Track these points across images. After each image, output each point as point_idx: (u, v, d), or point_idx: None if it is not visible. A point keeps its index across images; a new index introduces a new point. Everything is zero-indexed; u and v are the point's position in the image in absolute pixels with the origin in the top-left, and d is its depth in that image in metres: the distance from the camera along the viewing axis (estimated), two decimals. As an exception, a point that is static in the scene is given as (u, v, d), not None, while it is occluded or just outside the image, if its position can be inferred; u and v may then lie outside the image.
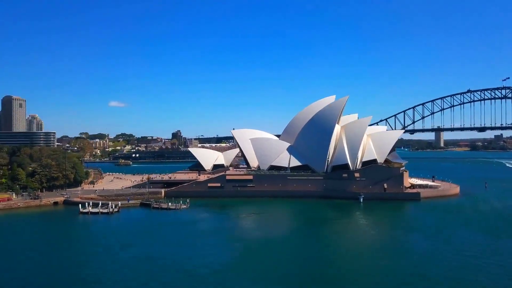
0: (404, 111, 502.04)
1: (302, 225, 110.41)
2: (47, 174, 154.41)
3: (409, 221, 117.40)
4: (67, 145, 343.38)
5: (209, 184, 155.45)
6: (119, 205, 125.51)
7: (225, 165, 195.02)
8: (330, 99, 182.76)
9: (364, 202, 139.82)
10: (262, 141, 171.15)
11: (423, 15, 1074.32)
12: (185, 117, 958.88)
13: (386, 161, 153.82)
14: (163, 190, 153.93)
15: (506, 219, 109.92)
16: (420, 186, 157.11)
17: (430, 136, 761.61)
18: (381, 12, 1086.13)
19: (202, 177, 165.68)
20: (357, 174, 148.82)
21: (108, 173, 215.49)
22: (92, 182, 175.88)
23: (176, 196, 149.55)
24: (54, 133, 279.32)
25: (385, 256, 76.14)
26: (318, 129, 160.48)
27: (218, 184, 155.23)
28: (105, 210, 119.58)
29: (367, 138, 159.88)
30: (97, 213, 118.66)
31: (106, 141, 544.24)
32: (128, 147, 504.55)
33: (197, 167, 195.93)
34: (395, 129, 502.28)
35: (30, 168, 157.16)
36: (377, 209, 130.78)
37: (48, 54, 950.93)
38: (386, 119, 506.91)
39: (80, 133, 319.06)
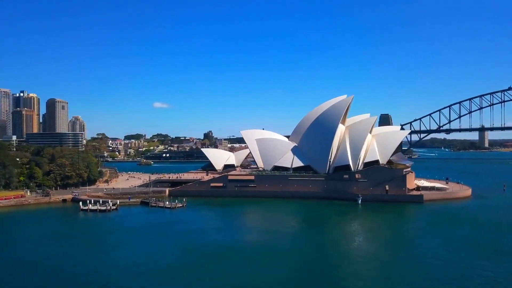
0: (439, 110, 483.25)
1: (283, 227, 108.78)
2: (61, 173, 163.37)
3: (400, 229, 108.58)
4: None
5: (212, 184, 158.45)
6: (118, 203, 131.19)
7: (235, 165, 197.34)
8: (340, 99, 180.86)
9: (364, 204, 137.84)
10: (266, 142, 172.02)
11: (456, 11, 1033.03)
12: (219, 117, 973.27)
13: (390, 162, 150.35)
14: (167, 189, 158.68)
15: (505, 231, 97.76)
16: (426, 188, 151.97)
17: (474, 136, 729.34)
18: (412, 12, 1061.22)
19: (206, 177, 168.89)
20: (358, 175, 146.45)
21: (126, 172, 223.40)
22: (107, 181, 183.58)
23: (180, 195, 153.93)
24: (82, 134, 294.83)
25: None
26: (321, 130, 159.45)
27: (221, 184, 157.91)
28: (103, 208, 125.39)
29: (372, 138, 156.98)
30: (95, 210, 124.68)
31: (141, 141, 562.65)
32: (161, 147, 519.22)
33: (209, 167, 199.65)
34: (429, 128, 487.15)
35: (47, 167, 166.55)
36: (373, 213, 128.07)
37: (95, 59, 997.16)
38: (420, 119, 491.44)
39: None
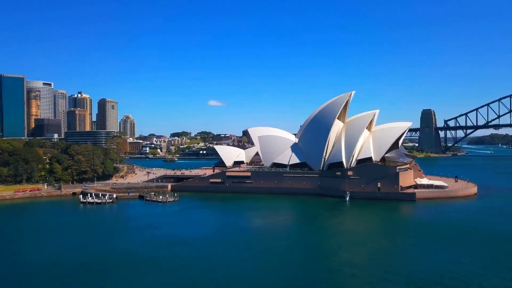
0: (487, 104, 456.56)
1: (245, 223, 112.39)
2: (78, 168, 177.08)
3: (370, 228, 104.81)
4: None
5: (211, 180, 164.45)
6: (114, 196, 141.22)
7: (244, 162, 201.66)
8: (347, 96, 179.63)
9: (355, 201, 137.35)
10: (268, 139, 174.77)
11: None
12: (265, 115, 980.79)
13: (386, 159, 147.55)
14: (169, 185, 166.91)
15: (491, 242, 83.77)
16: (423, 186, 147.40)
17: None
18: (459, 8, 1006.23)
19: (208, 173, 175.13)
20: (350, 173, 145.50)
21: (150, 168, 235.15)
22: (123, 176, 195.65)
23: (181, 190, 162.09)
24: (114, 131, 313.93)
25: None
26: (318, 127, 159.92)
27: (219, 180, 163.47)
28: (99, 201, 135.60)
29: (369, 135, 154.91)
30: (92, 203, 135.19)
31: (183, 138, 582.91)
32: (201, 144, 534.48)
33: (221, 164, 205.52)
34: (476, 124, 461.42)
35: (67, 163, 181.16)
36: (357, 210, 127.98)
37: (150, 60, 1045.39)
38: (466, 114, 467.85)
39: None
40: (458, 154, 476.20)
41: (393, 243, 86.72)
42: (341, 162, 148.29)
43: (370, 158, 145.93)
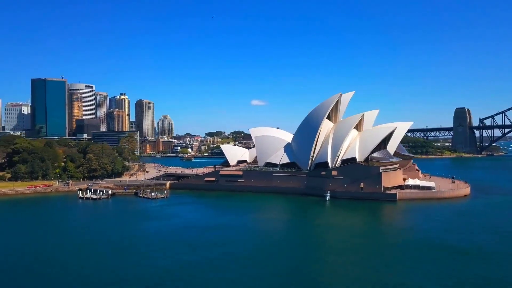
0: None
1: (209, 218, 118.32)
2: (88, 166, 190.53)
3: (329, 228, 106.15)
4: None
5: (206, 179, 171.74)
6: (110, 193, 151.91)
7: (248, 161, 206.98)
8: (348, 95, 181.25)
9: (337, 200, 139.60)
10: (263, 139, 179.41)
11: None
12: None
13: (369, 159, 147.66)
14: (168, 182, 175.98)
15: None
16: (408, 186, 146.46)
17: None
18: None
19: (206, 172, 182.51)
20: (334, 172, 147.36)
21: (164, 166, 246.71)
22: (133, 174, 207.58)
23: (179, 188, 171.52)
24: (137, 132, 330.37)
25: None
26: (308, 127, 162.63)
27: (213, 179, 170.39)
28: (95, 197, 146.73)
29: (358, 135, 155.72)
30: (88, 198, 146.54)
31: (214, 138, 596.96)
32: (231, 144, 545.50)
33: (227, 163, 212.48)
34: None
35: (79, 162, 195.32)
36: (334, 210, 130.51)
37: (191, 61, 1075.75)
38: (503, 112, 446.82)
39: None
40: (495, 154, 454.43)
41: (331, 249, 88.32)
42: (327, 162, 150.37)
43: (354, 158, 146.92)
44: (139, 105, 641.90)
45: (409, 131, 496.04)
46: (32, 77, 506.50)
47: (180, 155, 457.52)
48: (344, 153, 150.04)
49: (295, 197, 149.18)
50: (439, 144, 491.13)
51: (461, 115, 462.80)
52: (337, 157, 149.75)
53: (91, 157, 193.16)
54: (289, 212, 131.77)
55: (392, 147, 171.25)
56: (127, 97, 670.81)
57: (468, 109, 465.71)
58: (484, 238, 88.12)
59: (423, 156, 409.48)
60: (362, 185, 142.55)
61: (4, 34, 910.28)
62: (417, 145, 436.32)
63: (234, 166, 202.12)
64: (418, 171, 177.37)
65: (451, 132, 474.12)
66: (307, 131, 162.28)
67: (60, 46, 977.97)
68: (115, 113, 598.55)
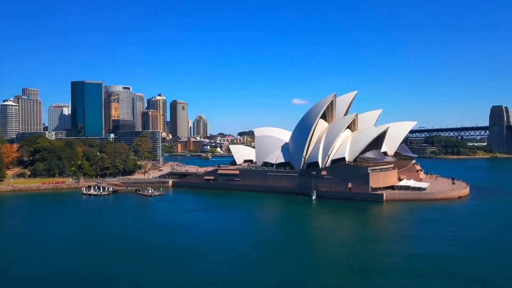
0: None
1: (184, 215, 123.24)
2: (101, 164, 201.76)
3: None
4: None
5: (205, 177, 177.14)
6: (111, 190, 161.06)
7: (253, 160, 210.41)
8: (350, 95, 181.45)
9: (324, 200, 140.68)
10: (263, 139, 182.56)
11: None
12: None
13: (358, 160, 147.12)
14: (170, 181, 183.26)
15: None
16: (399, 187, 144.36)
17: None
18: None
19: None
20: (324, 172, 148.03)
21: (183, 164, 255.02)
22: (145, 172, 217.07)
23: (180, 186, 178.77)
24: (159, 131, 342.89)
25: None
26: (303, 127, 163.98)
27: (212, 177, 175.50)
28: (96, 193, 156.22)
29: (350, 135, 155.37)
30: (90, 194, 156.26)
31: (244, 137, 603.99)
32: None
33: (235, 162, 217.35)
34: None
35: (94, 160, 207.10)
36: (318, 209, 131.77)
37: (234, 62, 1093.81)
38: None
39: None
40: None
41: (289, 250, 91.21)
42: (317, 162, 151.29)
43: (344, 159, 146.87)
44: (174, 105, 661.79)
45: (441, 130, 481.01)
46: (72, 80, 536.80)
47: (209, 154, 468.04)
48: (334, 153, 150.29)
49: (287, 196, 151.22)
50: (474, 144, 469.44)
51: (497, 113, 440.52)
52: (327, 157, 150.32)
53: (103, 156, 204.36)
54: (270, 211, 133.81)
55: (392, 147, 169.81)
56: (164, 97, 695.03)
57: (505, 107, 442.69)
58: (432, 251, 78.53)
59: (454, 157, 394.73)
60: (350, 185, 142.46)
61: (46, 39, 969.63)
62: (448, 145, 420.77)
63: (240, 164, 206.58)
64: (421, 171, 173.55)
65: (487, 132, 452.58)
66: (301, 131, 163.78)
67: (101, 50, 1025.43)
68: (150, 113, 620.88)
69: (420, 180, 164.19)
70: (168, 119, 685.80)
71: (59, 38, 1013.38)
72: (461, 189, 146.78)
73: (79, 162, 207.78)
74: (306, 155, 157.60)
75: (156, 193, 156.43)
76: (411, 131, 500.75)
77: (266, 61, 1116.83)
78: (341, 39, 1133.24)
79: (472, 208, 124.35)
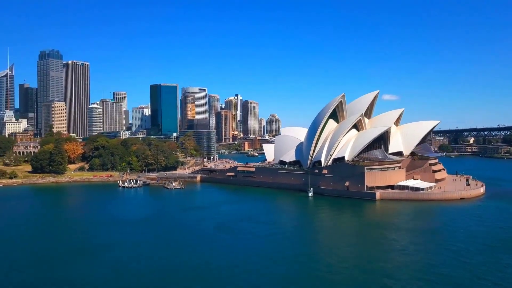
0: None
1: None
2: (146, 161, 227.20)
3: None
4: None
5: (227, 173, 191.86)
6: (141, 183, 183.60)
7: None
8: (371, 95, 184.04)
9: (322, 197, 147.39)
10: (282, 138, 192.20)
11: None
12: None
13: (360, 159, 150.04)
14: (198, 176, 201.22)
15: None
16: (398, 186, 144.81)
17: None
18: None
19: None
20: (325, 171, 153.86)
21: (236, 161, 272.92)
22: (186, 168, 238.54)
23: (207, 181, 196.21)
24: (214, 131, 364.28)
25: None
26: (312, 127, 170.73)
27: (233, 174, 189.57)
28: (128, 185, 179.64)
29: (354, 136, 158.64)
30: (123, 187, 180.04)
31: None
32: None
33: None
34: None
35: (142, 157, 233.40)
36: (312, 205, 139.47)
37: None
38: None
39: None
40: None
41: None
42: (321, 161, 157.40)
43: (343, 158, 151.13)
44: (245, 105, 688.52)
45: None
46: (151, 83, 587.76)
47: (250, 152, 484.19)
48: (336, 152, 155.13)
49: (292, 192, 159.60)
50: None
51: None
52: (329, 156, 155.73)
53: (148, 153, 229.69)
54: (262, 206, 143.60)
55: (408, 146, 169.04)
56: (241, 97, 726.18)
57: None
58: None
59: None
60: (347, 183, 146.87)
61: (130, 44, 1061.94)
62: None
63: (270, 162, 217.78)
64: (443, 170, 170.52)
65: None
66: (310, 131, 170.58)
67: (178, 54, 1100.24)
68: (222, 113, 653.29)
69: (436, 180, 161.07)
70: (241, 119, 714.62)
71: (138, 45, 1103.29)
72: (468, 191, 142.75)
73: (129, 158, 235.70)
74: (312, 154, 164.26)
75: (177, 186, 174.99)
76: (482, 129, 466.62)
77: (349, 55, 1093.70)
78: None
79: (455, 213, 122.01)
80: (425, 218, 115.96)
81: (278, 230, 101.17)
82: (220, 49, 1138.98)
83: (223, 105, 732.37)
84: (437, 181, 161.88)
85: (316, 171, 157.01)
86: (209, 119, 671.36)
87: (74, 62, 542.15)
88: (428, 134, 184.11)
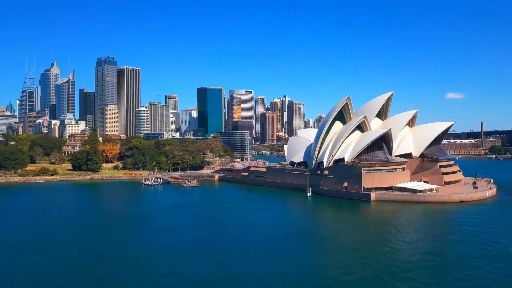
0: None
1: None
2: (173, 160, 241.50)
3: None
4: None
5: (241, 173, 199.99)
6: (161, 181, 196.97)
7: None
8: (384, 97, 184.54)
9: (322, 198, 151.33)
10: (294, 140, 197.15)
11: None
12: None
13: (360, 160, 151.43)
14: (217, 175, 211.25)
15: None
16: (396, 188, 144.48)
17: None
18: None
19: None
20: (326, 172, 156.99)
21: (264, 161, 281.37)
22: (212, 168, 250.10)
23: (223, 180, 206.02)
24: (247, 132, 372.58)
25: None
26: (320, 129, 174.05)
27: (246, 174, 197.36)
28: (149, 183, 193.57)
29: (357, 137, 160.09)
30: (145, 184, 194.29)
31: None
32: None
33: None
34: None
35: (170, 157, 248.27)
36: (309, 204, 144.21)
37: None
38: None
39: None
40: None
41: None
42: (323, 162, 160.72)
43: (343, 159, 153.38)
44: (290, 106, 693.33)
45: None
46: (198, 87, 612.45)
47: (280, 152, 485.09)
48: (337, 154, 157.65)
49: (299, 192, 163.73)
50: None
51: None
52: (331, 157, 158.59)
53: (175, 153, 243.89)
54: (257, 206, 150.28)
55: (419, 148, 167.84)
56: (289, 98, 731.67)
57: None
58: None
59: None
60: (345, 184, 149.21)
61: (180, 50, 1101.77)
62: None
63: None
64: (459, 172, 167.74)
65: None
66: (318, 133, 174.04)
67: (226, 57, 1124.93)
68: (267, 114, 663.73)
69: (445, 183, 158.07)
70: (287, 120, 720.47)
71: (188, 50, 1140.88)
72: (469, 194, 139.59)
73: (159, 158, 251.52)
74: (317, 155, 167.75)
75: (191, 185, 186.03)
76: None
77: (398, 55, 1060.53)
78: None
79: (439, 215, 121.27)
80: (408, 222, 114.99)
81: (250, 228, 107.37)
82: (269, 51, 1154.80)
83: (269, 106, 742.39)
84: (447, 183, 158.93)
85: (319, 172, 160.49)
86: (254, 120, 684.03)
87: (126, 68, 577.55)
88: (443, 135, 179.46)
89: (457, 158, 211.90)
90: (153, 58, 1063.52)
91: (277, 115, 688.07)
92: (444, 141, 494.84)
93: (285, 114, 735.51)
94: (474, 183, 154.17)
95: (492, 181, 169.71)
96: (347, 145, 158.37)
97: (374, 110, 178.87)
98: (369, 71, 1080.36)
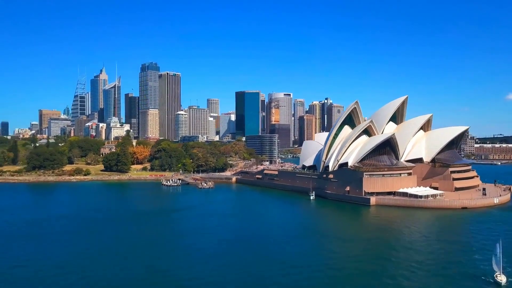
0: None
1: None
2: (197, 162, 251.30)
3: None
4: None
5: (256, 176, 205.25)
6: (179, 182, 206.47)
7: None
8: (398, 101, 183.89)
9: (325, 201, 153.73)
10: (308, 144, 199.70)
11: None
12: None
13: (363, 164, 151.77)
14: (234, 177, 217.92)
15: None
16: (398, 193, 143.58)
17: None
18: None
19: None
20: (331, 176, 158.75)
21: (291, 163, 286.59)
22: (234, 170, 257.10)
23: (240, 182, 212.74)
24: (276, 135, 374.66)
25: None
26: (329, 133, 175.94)
27: (260, 176, 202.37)
28: (168, 184, 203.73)
29: (363, 141, 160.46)
30: (165, 185, 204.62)
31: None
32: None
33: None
34: None
35: (195, 159, 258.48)
36: (309, 207, 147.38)
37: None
38: None
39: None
40: None
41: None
42: (329, 166, 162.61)
43: (347, 163, 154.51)
44: (329, 109, 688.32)
45: None
46: (236, 90, 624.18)
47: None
48: (342, 158, 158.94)
49: (305, 195, 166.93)
50: None
51: None
52: (336, 162, 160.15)
53: (199, 155, 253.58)
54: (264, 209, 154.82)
55: (430, 152, 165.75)
56: (331, 101, 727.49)
57: None
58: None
59: None
60: (348, 188, 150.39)
61: (221, 54, 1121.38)
62: None
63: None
64: (476, 177, 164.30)
65: None
66: (327, 137, 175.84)
67: (263, 61, 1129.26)
68: (305, 117, 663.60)
69: (456, 188, 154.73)
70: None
71: (230, 54, 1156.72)
72: (473, 200, 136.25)
73: (184, 160, 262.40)
74: (325, 159, 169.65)
75: (206, 186, 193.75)
76: None
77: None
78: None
79: (429, 222, 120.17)
80: (397, 227, 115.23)
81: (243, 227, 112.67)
82: (309, 53, 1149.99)
83: (308, 109, 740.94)
84: (458, 189, 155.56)
85: (324, 175, 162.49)
86: (293, 123, 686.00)
87: (167, 73, 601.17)
88: (457, 140, 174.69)
89: (499, 163, 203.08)
90: (194, 63, 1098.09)
91: (315, 118, 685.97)
92: (489, 145, 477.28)
93: (325, 117, 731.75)
94: (484, 189, 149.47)
95: (511, 187, 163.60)
96: (353, 150, 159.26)
97: (388, 114, 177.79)
98: (423, 73, 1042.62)
